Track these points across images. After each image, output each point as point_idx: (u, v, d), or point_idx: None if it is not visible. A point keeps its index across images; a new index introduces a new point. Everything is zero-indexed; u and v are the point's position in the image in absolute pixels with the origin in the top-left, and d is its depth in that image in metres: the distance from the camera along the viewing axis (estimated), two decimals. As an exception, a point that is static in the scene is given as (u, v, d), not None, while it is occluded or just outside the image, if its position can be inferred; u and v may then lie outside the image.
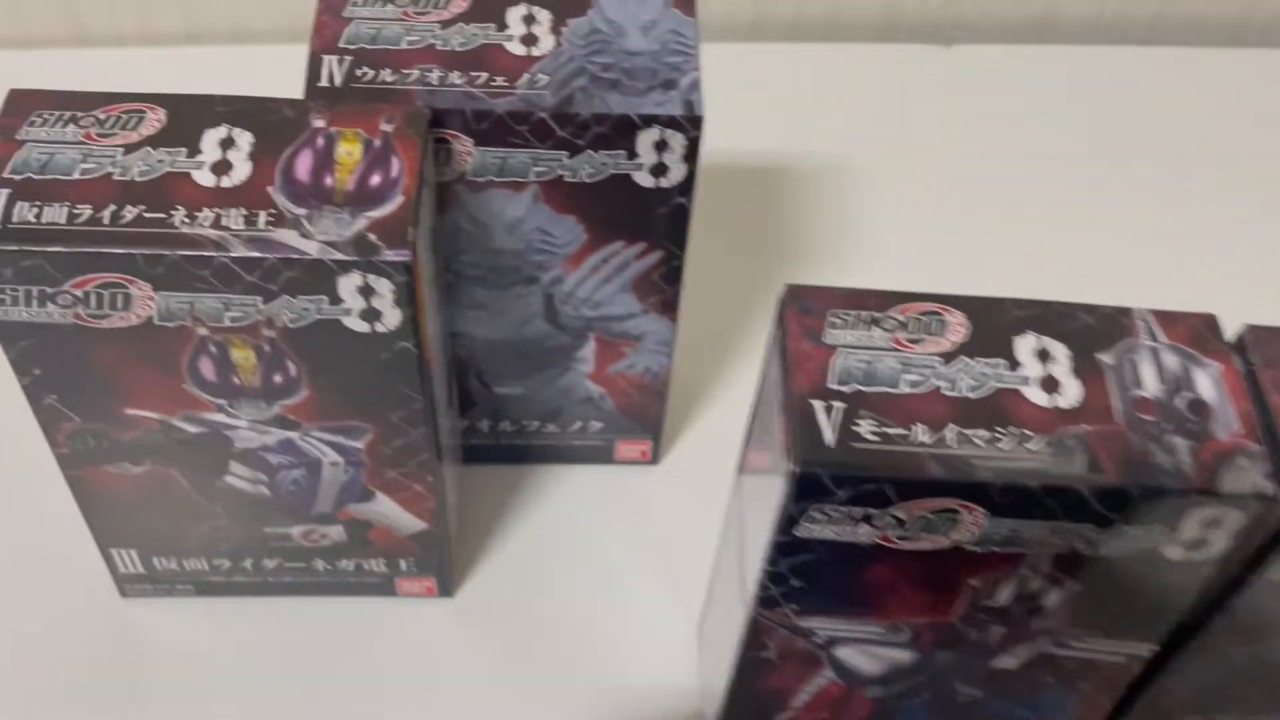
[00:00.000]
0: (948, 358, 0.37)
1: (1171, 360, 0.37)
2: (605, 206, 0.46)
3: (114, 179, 0.40)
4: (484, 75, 0.44)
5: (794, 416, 0.35)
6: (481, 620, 0.54)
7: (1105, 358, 0.37)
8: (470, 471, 0.57)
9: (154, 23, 0.74)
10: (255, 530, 0.49)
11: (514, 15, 0.45)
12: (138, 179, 0.40)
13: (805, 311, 0.37)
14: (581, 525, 0.57)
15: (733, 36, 0.77)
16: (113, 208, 0.39)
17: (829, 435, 0.35)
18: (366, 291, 0.40)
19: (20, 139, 0.40)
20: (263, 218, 0.39)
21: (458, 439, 0.55)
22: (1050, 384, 0.36)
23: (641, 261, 0.49)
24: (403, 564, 0.52)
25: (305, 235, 0.39)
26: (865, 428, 0.35)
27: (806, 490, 0.35)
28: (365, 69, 0.44)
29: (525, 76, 0.44)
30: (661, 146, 0.44)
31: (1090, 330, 0.38)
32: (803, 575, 0.38)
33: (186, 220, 0.39)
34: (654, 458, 0.58)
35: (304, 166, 0.40)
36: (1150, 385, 0.37)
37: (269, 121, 0.41)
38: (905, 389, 0.36)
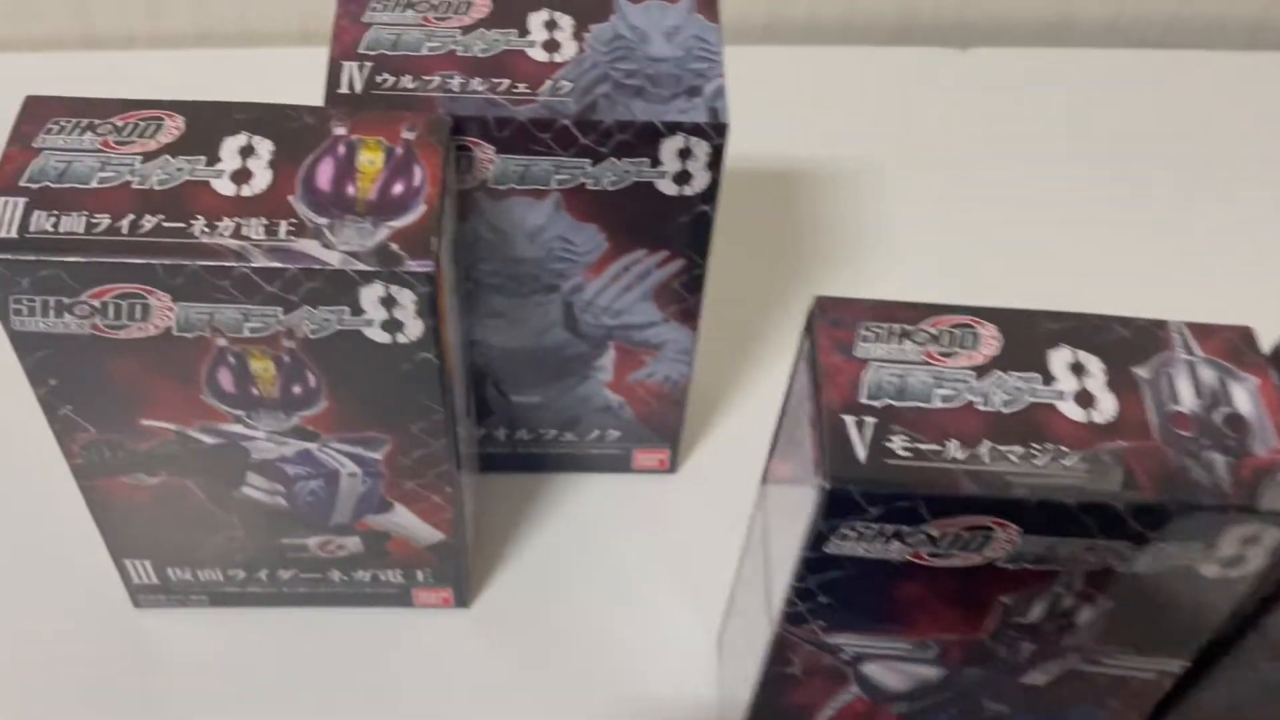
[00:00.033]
0: (981, 372, 0.36)
1: (1208, 374, 0.37)
2: (627, 215, 0.46)
3: (132, 188, 0.39)
4: (506, 82, 0.43)
5: (825, 431, 0.35)
6: (498, 631, 0.53)
7: (1141, 371, 0.37)
8: (486, 480, 0.57)
9: (164, 24, 0.73)
10: (271, 541, 0.49)
11: (536, 21, 0.45)
12: (156, 187, 0.39)
13: (835, 324, 0.37)
14: (599, 534, 0.56)
15: (746, 39, 0.77)
16: (131, 217, 0.38)
17: (861, 451, 0.34)
18: (389, 302, 0.39)
19: (37, 147, 0.39)
20: (284, 227, 0.38)
21: (474, 448, 0.54)
22: (1085, 398, 0.36)
23: (663, 270, 0.48)
24: (420, 575, 0.51)
25: (327, 245, 0.38)
26: (898, 443, 0.35)
27: (838, 507, 0.35)
28: (386, 75, 0.43)
29: (548, 83, 0.43)
30: (685, 154, 0.44)
31: (1125, 343, 0.37)
32: (831, 592, 0.38)
33: (206, 230, 0.38)
34: (672, 466, 0.58)
35: (325, 175, 0.40)
36: (1187, 400, 0.36)
37: (289, 129, 0.41)
38: (938, 404, 0.35)
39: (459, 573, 0.51)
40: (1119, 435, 0.35)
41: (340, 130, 0.41)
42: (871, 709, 0.43)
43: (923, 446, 0.35)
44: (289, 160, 0.40)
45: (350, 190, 0.39)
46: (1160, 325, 0.38)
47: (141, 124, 0.40)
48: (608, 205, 0.45)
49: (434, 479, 0.46)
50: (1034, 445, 0.35)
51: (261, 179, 0.39)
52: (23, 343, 0.40)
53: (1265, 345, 0.38)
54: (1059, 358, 0.37)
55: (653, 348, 0.51)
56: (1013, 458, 0.35)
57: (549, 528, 0.56)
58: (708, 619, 0.53)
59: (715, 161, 0.44)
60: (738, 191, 0.68)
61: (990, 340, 0.37)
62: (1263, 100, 0.74)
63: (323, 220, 0.39)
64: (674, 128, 0.43)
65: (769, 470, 0.43)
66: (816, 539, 0.36)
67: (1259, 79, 0.75)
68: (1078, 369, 0.36)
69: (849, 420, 0.35)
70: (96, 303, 0.39)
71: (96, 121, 0.40)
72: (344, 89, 0.43)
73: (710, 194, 0.45)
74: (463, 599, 0.53)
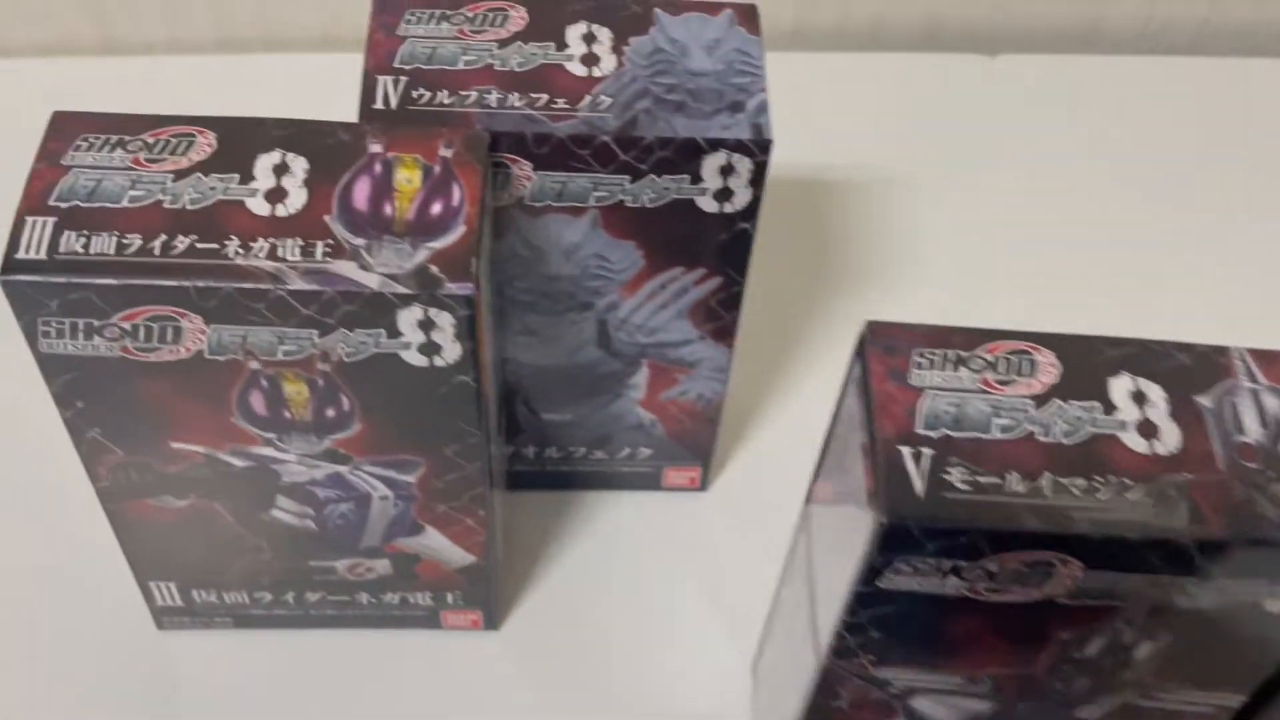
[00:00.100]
0: (1040, 400, 0.35)
1: (1273, 403, 0.35)
2: (665, 232, 0.45)
3: (164, 207, 0.38)
4: (544, 97, 0.42)
5: (881, 463, 0.34)
6: (528, 653, 0.52)
7: (1204, 400, 0.36)
8: (514, 498, 0.56)
9: (183, 30, 0.72)
10: (299, 564, 0.48)
11: (574, 34, 0.44)
12: (189, 207, 0.38)
13: (889, 351, 0.36)
14: (628, 553, 0.55)
15: (772, 45, 0.75)
16: (163, 237, 0.37)
17: (919, 484, 0.33)
18: (427, 325, 0.38)
19: (66, 164, 0.38)
20: (320, 248, 0.37)
21: (503, 465, 0.53)
22: (1148, 428, 0.35)
23: (700, 288, 0.47)
24: (449, 597, 0.50)
25: (364, 267, 0.37)
26: (956, 476, 0.34)
27: (894, 542, 0.33)
28: (421, 90, 0.42)
29: (587, 98, 0.42)
30: (727, 171, 0.43)
31: (1186, 371, 0.36)
32: (883, 626, 0.37)
33: (241, 251, 0.37)
34: (702, 484, 0.57)
35: (362, 194, 0.38)
36: (1252, 430, 0.35)
37: (324, 146, 0.39)
38: (997, 434, 0.34)
39: (489, 595, 0.50)
40: (1183, 467, 0.34)
41: (376, 147, 0.39)
42: (917, 741, 0.42)
43: (982, 479, 0.34)
44: (325, 178, 0.39)
45: (388, 210, 0.38)
46: (1221, 351, 0.37)
47: (173, 140, 0.39)
48: (646, 222, 0.44)
49: (467, 502, 0.45)
50: (1096, 478, 0.34)
51: (297, 198, 0.38)
52: (50, 365, 0.39)
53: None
54: (1119, 386, 0.36)
55: (687, 366, 0.50)
56: (1075, 491, 0.34)
57: (578, 547, 0.55)
58: (742, 643, 0.52)
59: (758, 178, 0.43)
60: (766, 201, 0.67)
61: (1048, 367, 0.36)
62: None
63: (360, 241, 0.38)
64: (716, 144, 0.42)
65: (813, 490, 0.42)
66: (870, 573, 0.35)
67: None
68: (1139, 398, 0.35)
69: (905, 451, 0.34)
70: (127, 325, 0.38)
71: (127, 138, 0.39)
72: (379, 104, 0.42)
73: (751, 211, 0.44)
74: (492, 621, 0.52)
